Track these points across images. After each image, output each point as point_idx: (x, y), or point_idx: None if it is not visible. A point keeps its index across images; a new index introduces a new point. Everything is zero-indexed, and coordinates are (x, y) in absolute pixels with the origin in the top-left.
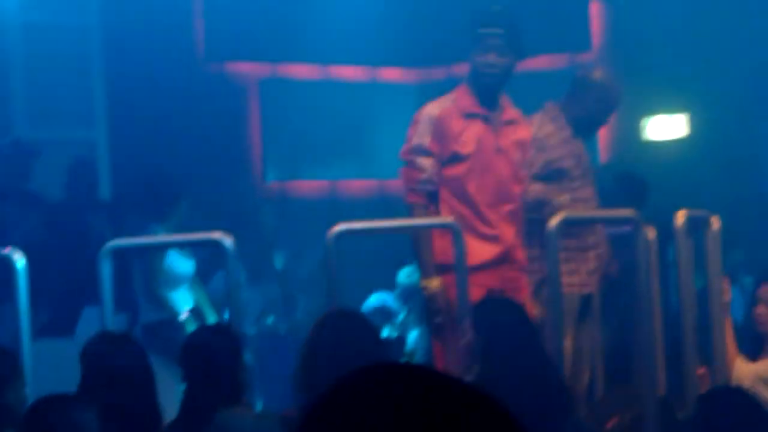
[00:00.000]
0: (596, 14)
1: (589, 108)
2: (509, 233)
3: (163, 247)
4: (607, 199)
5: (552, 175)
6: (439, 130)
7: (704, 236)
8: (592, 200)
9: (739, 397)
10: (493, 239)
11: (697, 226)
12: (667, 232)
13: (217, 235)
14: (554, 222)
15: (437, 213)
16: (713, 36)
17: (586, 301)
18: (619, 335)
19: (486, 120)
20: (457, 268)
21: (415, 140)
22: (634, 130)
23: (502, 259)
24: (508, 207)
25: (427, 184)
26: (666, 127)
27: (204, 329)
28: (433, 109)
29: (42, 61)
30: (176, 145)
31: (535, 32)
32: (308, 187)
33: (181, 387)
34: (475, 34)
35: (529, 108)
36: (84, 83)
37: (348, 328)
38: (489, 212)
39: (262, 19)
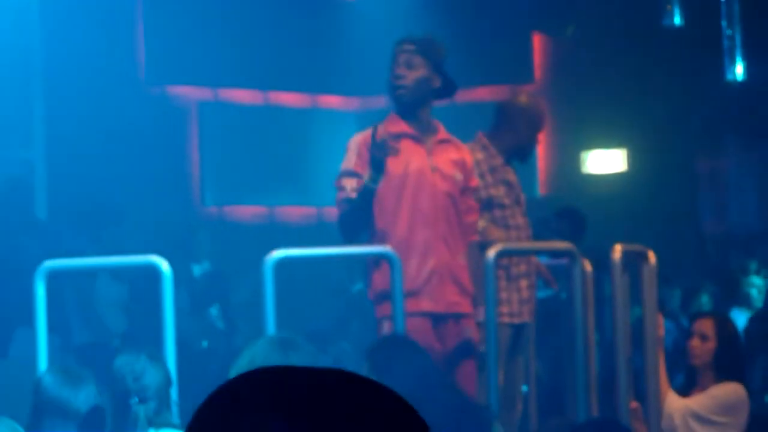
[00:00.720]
0: (538, 47)
1: (520, 133)
2: (449, 253)
3: (98, 270)
4: (545, 232)
5: (482, 203)
6: (365, 152)
7: (640, 270)
8: (524, 228)
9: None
10: (430, 260)
11: (633, 260)
12: (603, 266)
13: (153, 258)
14: (491, 253)
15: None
16: (652, 72)
17: (518, 331)
18: (554, 367)
19: (416, 139)
20: (393, 298)
21: (343, 167)
22: (573, 163)
23: (441, 281)
24: (445, 226)
25: (349, 202)
26: (605, 161)
27: (130, 353)
28: (360, 135)
29: None
30: (115, 166)
31: (477, 63)
32: (247, 212)
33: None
34: (391, 54)
35: (467, 138)
36: (23, 103)
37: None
38: (424, 232)
39: (204, 43)
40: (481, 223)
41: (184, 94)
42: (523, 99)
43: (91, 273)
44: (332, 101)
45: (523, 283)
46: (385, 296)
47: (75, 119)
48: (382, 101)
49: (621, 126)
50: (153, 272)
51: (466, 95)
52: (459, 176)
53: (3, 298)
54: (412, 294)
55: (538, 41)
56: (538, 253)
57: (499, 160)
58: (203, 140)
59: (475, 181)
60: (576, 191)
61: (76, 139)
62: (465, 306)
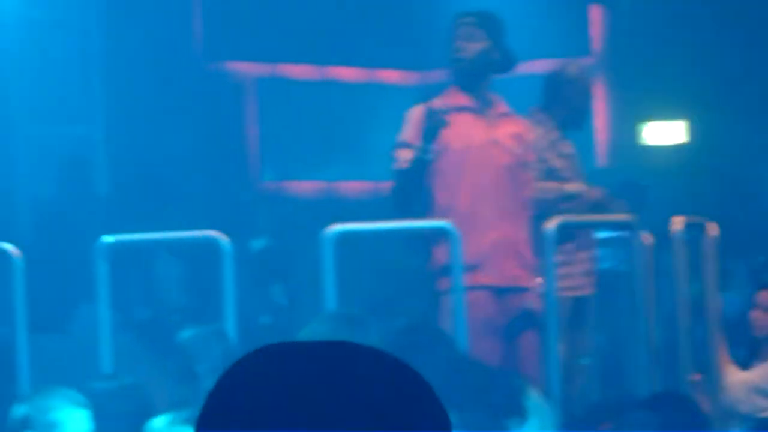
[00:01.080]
0: (596, 19)
1: (571, 104)
2: (510, 226)
3: (158, 244)
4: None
5: (544, 177)
6: (423, 125)
7: (701, 242)
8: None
9: (668, 400)
10: (491, 233)
11: (694, 232)
12: (664, 238)
13: (212, 233)
14: (551, 225)
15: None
16: (714, 42)
17: (579, 303)
18: (615, 340)
19: (476, 113)
20: (453, 272)
21: (399, 137)
22: (632, 134)
23: (503, 255)
24: (506, 200)
25: (401, 173)
26: (664, 132)
27: (197, 330)
28: (418, 107)
29: (41, 57)
30: (173, 142)
31: (535, 36)
32: (305, 187)
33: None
34: (451, 28)
35: (522, 112)
36: (82, 79)
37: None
38: (486, 206)
39: (261, 18)
40: (575, 188)
41: (241, 69)
42: (569, 69)
43: (151, 249)
44: (390, 75)
45: (584, 255)
46: (446, 270)
47: (134, 95)
48: (440, 75)
49: (681, 97)
50: (213, 248)
51: (523, 68)
52: (518, 150)
53: (66, 274)
54: (473, 268)
55: (595, 13)
56: (599, 226)
57: (555, 134)
58: (261, 116)
59: (532, 156)
60: (635, 163)
61: (135, 115)
62: (527, 279)
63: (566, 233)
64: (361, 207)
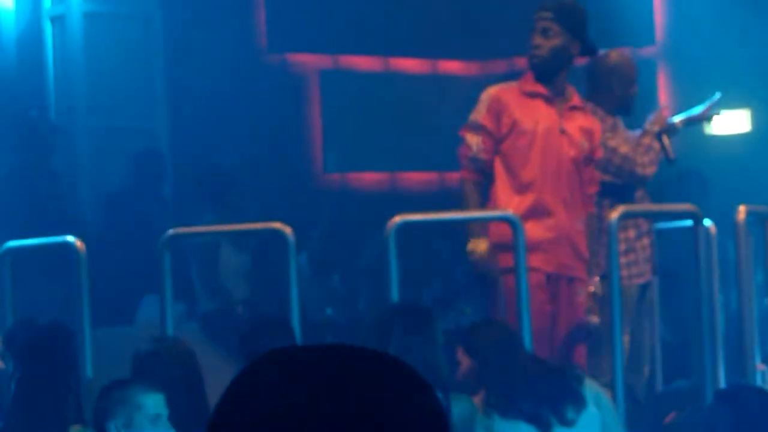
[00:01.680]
0: (659, 8)
1: (615, 90)
2: (567, 217)
3: (222, 237)
4: (667, 194)
5: (619, 166)
6: (496, 106)
7: (765, 232)
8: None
9: (748, 395)
10: (548, 220)
11: (758, 221)
12: (728, 228)
13: (277, 225)
14: (614, 216)
15: (488, 187)
16: None
17: (643, 290)
18: (679, 329)
19: (548, 101)
20: (516, 261)
21: (471, 117)
22: (696, 124)
23: (558, 242)
24: (567, 190)
25: (474, 161)
26: (728, 122)
27: (259, 321)
28: (494, 88)
29: (104, 50)
30: (237, 135)
31: (599, 26)
32: (368, 178)
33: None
34: (530, 21)
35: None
36: (145, 73)
37: (416, 324)
38: (547, 192)
39: (323, 10)
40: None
41: (304, 61)
42: (610, 56)
43: (215, 240)
44: (452, 66)
45: (646, 241)
46: (501, 248)
47: (197, 89)
48: (502, 65)
49: (745, 86)
50: (276, 239)
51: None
52: (586, 144)
53: (132, 265)
54: (529, 248)
55: (658, 2)
56: (662, 215)
57: (609, 120)
58: (324, 108)
59: (600, 153)
60: (699, 152)
61: (198, 109)
62: (579, 270)
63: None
64: (424, 198)
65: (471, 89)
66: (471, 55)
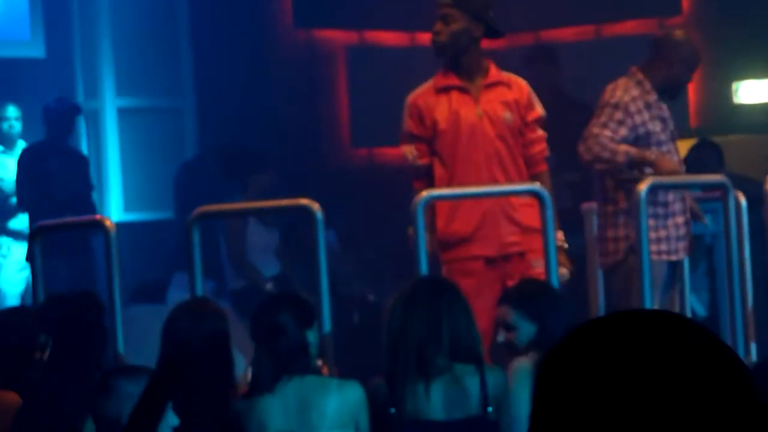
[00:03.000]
0: None
1: (673, 69)
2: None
3: (251, 214)
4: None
5: (639, 139)
6: (416, 112)
7: None
8: (680, 165)
9: None
10: (483, 205)
11: None
12: (757, 198)
13: (305, 202)
14: (642, 187)
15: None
16: None
17: (674, 268)
18: (709, 301)
19: (462, 90)
20: (544, 234)
21: (402, 128)
22: (725, 93)
23: (496, 224)
24: (499, 169)
25: (415, 169)
26: (757, 91)
27: (271, 299)
28: (411, 95)
29: (129, 29)
30: (264, 112)
31: None
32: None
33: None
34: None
35: (616, 73)
36: (171, 51)
37: (436, 298)
38: (476, 178)
39: None
40: (651, 155)
41: (330, 37)
42: (678, 34)
43: (243, 218)
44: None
45: (679, 219)
46: (445, 244)
47: (223, 66)
48: (529, 38)
49: None
50: (304, 216)
51: (613, 29)
52: (509, 116)
53: (163, 243)
54: (465, 240)
55: None
56: (690, 186)
57: (653, 96)
58: (351, 83)
59: (536, 113)
60: (728, 122)
61: (225, 86)
62: (528, 242)
63: (658, 196)
64: None
65: (497, 62)
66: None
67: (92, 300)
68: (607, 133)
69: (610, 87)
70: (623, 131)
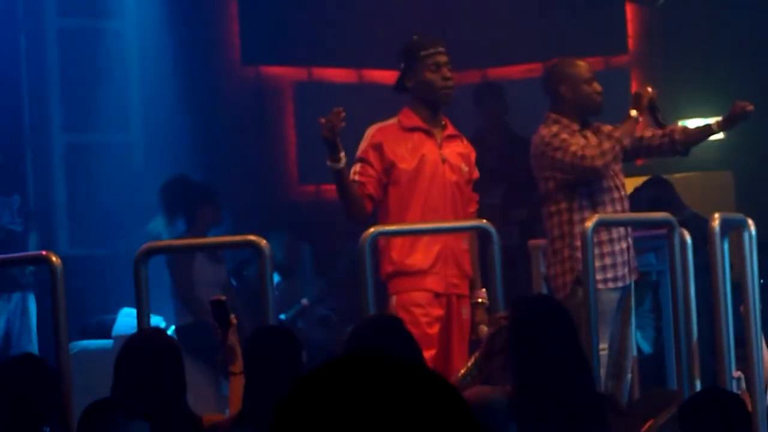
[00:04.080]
0: (632, 17)
1: (568, 92)
2: (453, 238)
3: (199, 249)
4: (636, 202)
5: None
6: (377, 143)
7: (740, 239)
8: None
9: (716, 398)
10: (437, 243)
11: (732, 229)
12: (703, 235)
13: (252, 238)
14: (589, 225)
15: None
16: (753, 38)
17: (624, 294)
18: (655, 336)
19: (427, 133)
20: (494, 267)
21: (357, 152)
22: None
23: (446, 263)
24: (452, 214)
25: (354, 182)
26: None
27: (264, 330)
28: (374, 127)
29: (77, 65)
30: (212, 148)
31: (572, 35)
32: None
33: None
34: (419, 56)
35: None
36: (120, 87)
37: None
38: (434, 218)
39: (297, 23)
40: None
41: (278, 74)
42: (552, 66)
43: (190, 253)
44: None
45: (623, 244)
46: (400, 274)
47: (171, 101)
48: (475, 75)
49: (718, 94)
50: (251, 251)
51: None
52: (465, 168)
53: (110, 280)
54: (420, 273)
55: (630, 11)
56: (636, 223)
57: (574, 127)
58: (299, 119)
59: (477, 174)
60: (674, 160)
61: (174, 121)
62: (463, 288)
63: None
64: None
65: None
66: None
67: (29, 360)
68: (580, 141)
69: (535, 138)
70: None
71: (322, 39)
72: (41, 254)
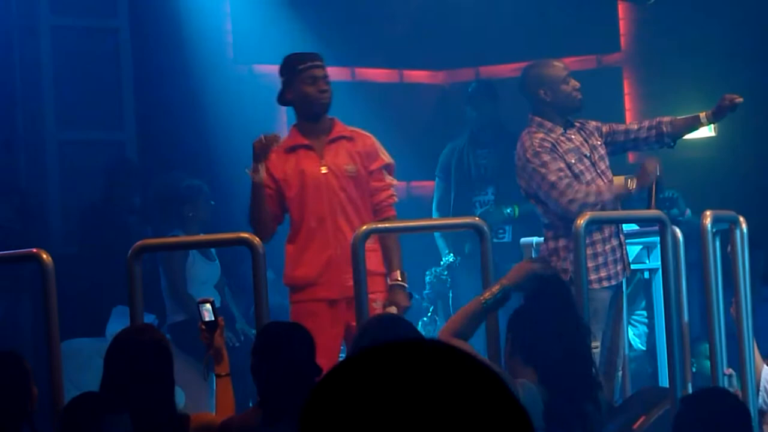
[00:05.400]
0: (624, 15)
1: (547, 94)
2: (347, 243)
3: (191, 247)
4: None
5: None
6: (268, 168)
7: (731, 236)
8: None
9: (720, 398)
10: (327, 252)
11: (724, 226)
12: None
13: (245, 235)
14: (580, 222)
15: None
16: (744, 36)
17: (617, 291)
18: (646, 334)
19: (308, 148)
20: (482, 269)
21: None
22: None
23: (339, 269)
24: (343, 219)
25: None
26: None
27: (276, 324)
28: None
29: (71, 62)
30: (205, 145)
31: (564, 34)
32: None
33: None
34: (296, 69)
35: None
36: (114, 84)
37: (392, 329)
38: (321, 229)
39: (289, 21)
40: (618, 181)
41: (271, 72)
42: (527, 69)
43: (184, 251)
44: (418, 75)
45: (614, 242)
46: (293, 287)
47: (165, 100)
48: (470, 73)
49: (709, 91)
50: (245, 249)
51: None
52: (351, 167)
53: (102, 277)
54: (310, 284)
55: (622, 9)
56: (628, 221)
57: (558, 130)
58: (291, 118)
59: (380, 162)
60: (665, 158)
61: (167, 119)
62: (371, 285)
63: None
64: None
65: (436, 98)
66: (436, 64)
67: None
68: (564, 181)
69: (518, 145)
70: (561, 163)
71: (314, 37)
72: (32, 252)
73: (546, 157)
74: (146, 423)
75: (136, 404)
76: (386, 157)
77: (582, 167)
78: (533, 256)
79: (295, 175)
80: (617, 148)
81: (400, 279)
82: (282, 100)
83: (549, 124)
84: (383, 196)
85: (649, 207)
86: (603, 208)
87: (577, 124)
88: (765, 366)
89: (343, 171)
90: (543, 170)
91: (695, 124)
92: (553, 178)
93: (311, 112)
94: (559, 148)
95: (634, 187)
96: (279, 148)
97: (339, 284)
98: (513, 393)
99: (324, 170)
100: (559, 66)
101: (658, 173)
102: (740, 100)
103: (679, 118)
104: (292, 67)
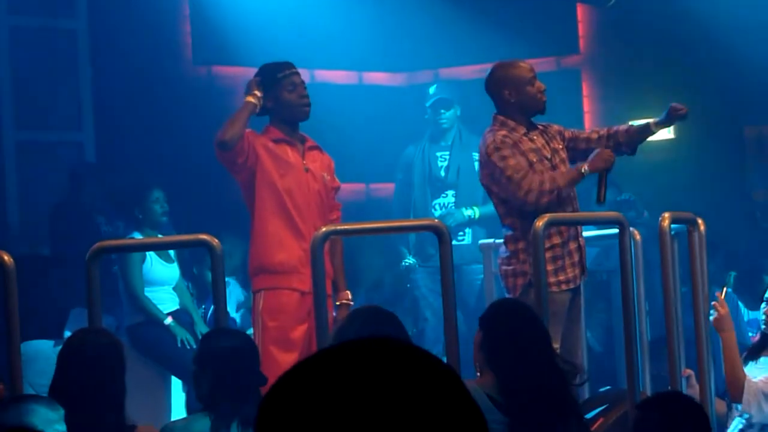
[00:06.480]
0: (583, 17)
1: (511, 94)
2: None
3: (150, 249)
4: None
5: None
6: (254, 138)
7: (689, 238)
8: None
9: (675, 402)
10: (303, 243)
11: (682, 228)
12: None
13: (204, 237)
14: (539, 224)
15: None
16: (701, 39)
17: (575, 294)
18: (605, 336)
19: (291, 144)
20: (442, 267)
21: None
22: None
23: (308, 265)
24: (317, 218)
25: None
26: None
27: (219, 332)
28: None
29: (29, 63)
30: (164, 147)
31: (523, 36)
32: None
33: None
34: (276, 78)
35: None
36: (72, 85)
37: (378, 323)
38: (300, 221)
39: (249, 23)
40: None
41: (230, 74)
42: (493, 70)
43: (142, 253)
44: (378, 77)
45: (573, 245)
46: (259, 271)
47: (123, 101)
48: (428, 75)
49: (668, 94)
50: (204, 251)
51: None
52: (327, 176)
53: (61, 280)
54: (287, 272)
55: (581, 11)
56: (587, 223)
57: (521, 130)
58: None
59: (338, 183)
60: (624, 160)
61: (125, 121)
62: (327, 287)
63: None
64: (350, 208)
65: (397, 99)
66: (396, 66)
67: None
68: (520, 173)
69: (481, 142)
70: (520, 158)
71: (274, 39)
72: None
73: (506, 152)
74: (90, 428)
75: (83, 408)
76: (337, 180)
77: (542, 168)
78: (492, 258)
79: (277, 164)
80: (577, 155)
81: (347, 300)
82: (260, 109)
83: (512, 123)
84: (334, 216)
85: (598, 196)
86: (560, 197)
87: (540, 127)
88: (748, 379)
89: (321, 176)
90: (501, 164)
91: (647, 132)
92: (509, 172)
93: (294, 118)
94: (520, 146)
95: (587, 169)
96: (265, 137)
97: (309, 278)
98: (468, 392)
99: (306, 170)
100: (525, 67)
101: (610, 163)
102: (685, 111)
103: (633, 126)
104: (271, 76)
